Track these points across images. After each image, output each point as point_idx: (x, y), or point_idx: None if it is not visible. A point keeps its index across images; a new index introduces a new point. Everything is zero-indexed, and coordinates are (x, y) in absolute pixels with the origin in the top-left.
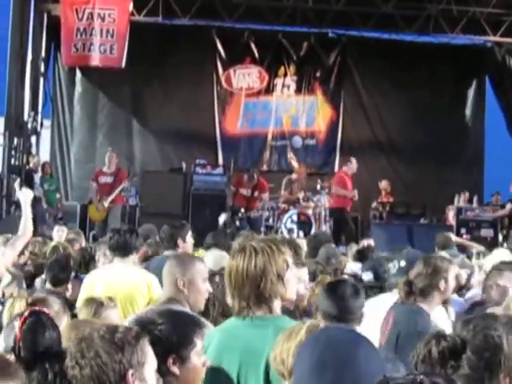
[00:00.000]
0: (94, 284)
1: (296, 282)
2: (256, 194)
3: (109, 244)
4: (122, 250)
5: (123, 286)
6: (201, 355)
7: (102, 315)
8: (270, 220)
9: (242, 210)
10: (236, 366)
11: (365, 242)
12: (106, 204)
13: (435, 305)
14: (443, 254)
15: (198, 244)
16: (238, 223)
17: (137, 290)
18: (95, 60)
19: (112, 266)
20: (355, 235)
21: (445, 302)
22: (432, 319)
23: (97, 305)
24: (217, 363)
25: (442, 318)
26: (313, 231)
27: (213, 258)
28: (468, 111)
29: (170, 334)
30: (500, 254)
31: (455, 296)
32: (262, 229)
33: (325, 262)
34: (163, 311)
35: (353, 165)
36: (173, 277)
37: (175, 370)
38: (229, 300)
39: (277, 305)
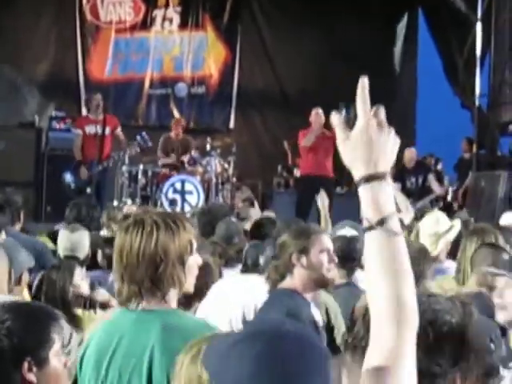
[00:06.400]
0: None
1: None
2: (108, 131)
3: None
4: None
5: None
6: (60, 355)
7: None
8: (148, 189)
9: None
10: (116, 373)
11: (264, 214)
12: None
13: (306, 287)
14: None
15: (55, 219)
16: (88, 189)
17: None
18: None
19: None
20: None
21: None
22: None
23: None
24: (96, 369)
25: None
26: (201, 203)
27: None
28: (396, 53)
29: (22, 332)
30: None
31: None
32: (138, 200)
33: (225, 242)
34: (8, 304)
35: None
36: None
37: (32, 377)
38: (116, 284)
39: (173, 296)
